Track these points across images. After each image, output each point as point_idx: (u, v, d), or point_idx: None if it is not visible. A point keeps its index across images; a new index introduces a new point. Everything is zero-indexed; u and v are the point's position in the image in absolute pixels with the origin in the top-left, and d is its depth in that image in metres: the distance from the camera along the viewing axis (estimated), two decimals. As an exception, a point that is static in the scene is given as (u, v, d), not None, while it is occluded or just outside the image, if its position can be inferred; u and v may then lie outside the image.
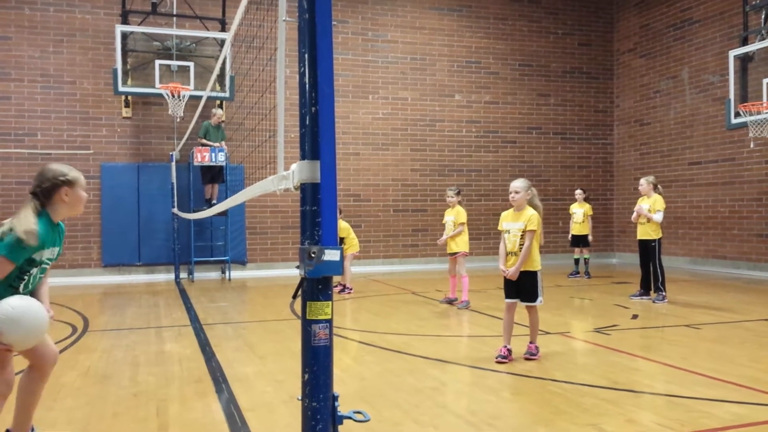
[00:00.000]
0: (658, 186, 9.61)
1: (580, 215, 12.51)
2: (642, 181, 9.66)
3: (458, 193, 9.24)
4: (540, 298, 5.79)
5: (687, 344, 6.48)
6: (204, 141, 12.76)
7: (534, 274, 5.76)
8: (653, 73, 15.89)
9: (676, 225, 14.97)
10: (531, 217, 5.73)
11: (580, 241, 12.55)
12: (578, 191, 12.85)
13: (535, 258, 5.75)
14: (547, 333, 6.98)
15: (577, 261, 12.80)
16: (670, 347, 6.40)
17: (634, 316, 8.13)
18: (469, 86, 16.02)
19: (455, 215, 9.06)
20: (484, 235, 15.68)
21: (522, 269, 5.72)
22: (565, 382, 5.04)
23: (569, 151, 16.82)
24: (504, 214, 6.01)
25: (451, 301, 9.16)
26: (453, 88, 15.88)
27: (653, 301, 9.20)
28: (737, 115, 12.19)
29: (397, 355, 6.04)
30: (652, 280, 9.37)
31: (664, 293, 9.22)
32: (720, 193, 14.02)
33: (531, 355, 5.80)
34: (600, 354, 6.08)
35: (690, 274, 13.36)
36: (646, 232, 9.36)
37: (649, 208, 9.30)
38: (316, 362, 2.79)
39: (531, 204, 5.87)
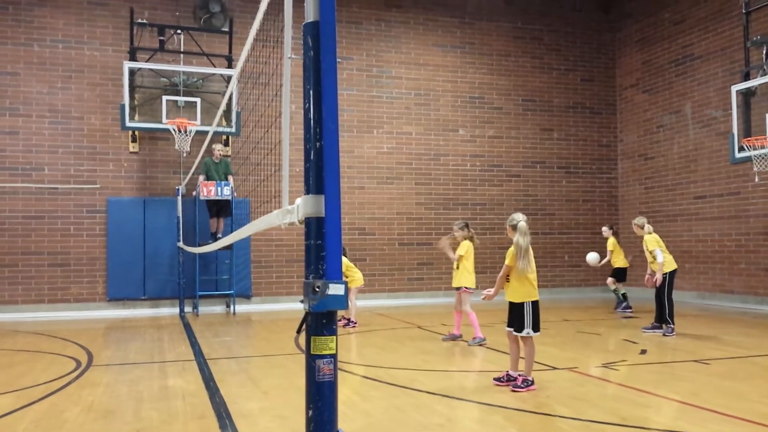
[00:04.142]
0: (645, 226, 9.75)
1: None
2: (632, 224, 10.13)
3: (462, 228, 9.06)
4: (527, 330, 5.96)
5: (696, 379, 6.40)
6: (201, 178, 12.81)
7: (519, 305, 6.01)
8: (656, 108, 15.99)
9: (682, 259, 14.87)
10: (508, 251, 6.09)
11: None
12: (604, 227, 12.80)
13: (517, 290, 6.04)
14: (555, 368, 6.91)
15: (623, 294, 12.50)
16: (679, 383, 6.32)
17: (643, 351, 8.04)
18: (473, 121, 16.14)
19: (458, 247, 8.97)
20: (490, 269, 15.60)
21: (510, 300, 6.10)
22: (573, 418, 4.97)
23: (574, 185, 16.85)
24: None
25: (455, 338, 9.02)
26: (457, 123, 16.00)
27: (663, 334, 9.16)
28: (741, 149, 12.22)
29: (403, 391, 5.98)
30: (661, 312, 9.36)
31: (672, 326, 9.20)
32: (726, 228, 13.98)
33: (516, 388, 5.86)
34: (608, 389, 6.00)
35: (698, 308, 13.24)
36: (658, 268, 9.36)
37: (651, 251, 9.42)
38: (321, 398, 2.76)
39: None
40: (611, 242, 12.43)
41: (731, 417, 4.94)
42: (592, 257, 11.93)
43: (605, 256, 12.35)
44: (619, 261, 12.32)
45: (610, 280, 12.36)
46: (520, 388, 5.82)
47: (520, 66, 16.59)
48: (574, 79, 17.02)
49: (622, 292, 12.37)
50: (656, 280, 9.31)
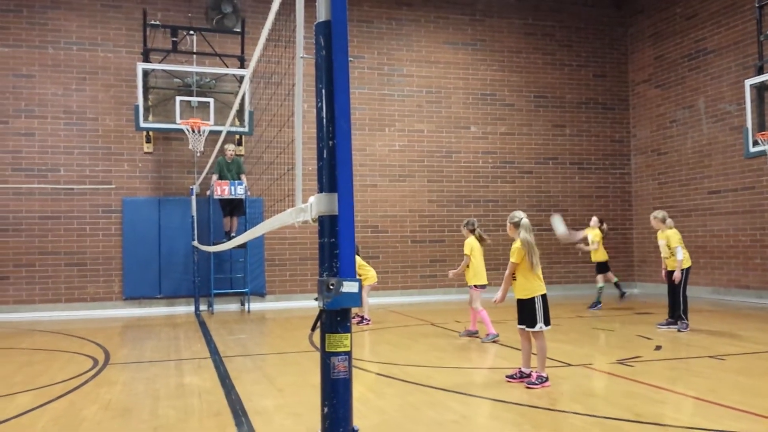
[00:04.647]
0: (667, 220, 9.55)
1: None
2: (650, 217, 9.81)
3: (465, 225, 9.17)
4: (539, 324, 5.95)
5: (712, 375, 6.37)
6: (214, 178, 12.89)
7: (530, 300, 6.00)
8: (669, 103, 15.88)
9: (697, 254, 14.78)
10: (512, 248, 6.09)
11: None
12: (594, 218, 12.81)
13: (525, 286, 6.04)
14: (569, 365, 6.90)
15: (615, 283, 12.63)
16: (695, 379, 6.30)
17: (658, 347, 8.01)
18: (485, 118, 16.11)
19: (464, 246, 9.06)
20: (503, 265, 15.55)
21: (519, 297, 6.06)
22: (588, 415, 4.97)
23: (587, 181, 16.78)
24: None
25: (471, 334, 9.06)
26: (468, 120, 15.98)
27: (678, 330, 9.13)
28: (755, 143, 12.14)
29: (417, 388, 6.00)
30: (675, 308, 9.32)
31: (686, 321, 9.17)
32: (741, 222, 13.88)
33: (530, 384, 5.86)
34: (623, 386, 5.99)
35: (713, 303, 13.16)
36: (674, 264, 9.30)
37: (667, 244, 9.35)
38: (336, 395, 2.78)
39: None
40: (596, 233, 12.36)
41: (748, 413, 4.92)
42: (558, 226, 11.62)
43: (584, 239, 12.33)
44: (599, 255, 12.32)
45: (599, 276, 12.35)
46: (535, 385, 5.83)
47: (531, 62, 16.53)
48: (587, 75, 16.94)
49: (615, 280, 12.50)
50: (675, 278, 9.25)
